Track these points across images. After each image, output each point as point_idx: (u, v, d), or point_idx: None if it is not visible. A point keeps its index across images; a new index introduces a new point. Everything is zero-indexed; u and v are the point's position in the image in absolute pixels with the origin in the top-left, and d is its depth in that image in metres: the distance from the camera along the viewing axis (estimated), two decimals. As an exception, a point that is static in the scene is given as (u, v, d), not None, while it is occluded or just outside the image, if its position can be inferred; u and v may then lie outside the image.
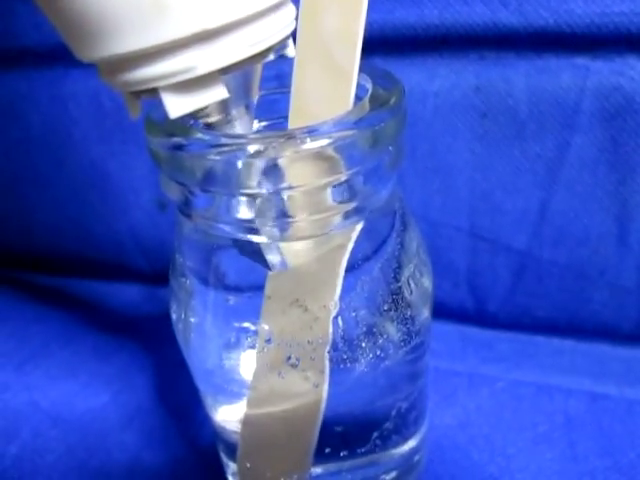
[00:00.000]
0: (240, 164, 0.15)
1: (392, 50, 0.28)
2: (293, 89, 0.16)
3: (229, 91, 0.14)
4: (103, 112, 0.35)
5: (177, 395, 0.32)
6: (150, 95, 0.14)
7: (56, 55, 0.33)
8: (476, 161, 0.30)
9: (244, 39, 0.13)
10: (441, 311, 0.35)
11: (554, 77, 0.27)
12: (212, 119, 0.16)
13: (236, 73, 0.15)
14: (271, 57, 0.15)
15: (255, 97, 0.17)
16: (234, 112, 0.16)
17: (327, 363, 0.18)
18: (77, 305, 0.40)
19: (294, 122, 0.17)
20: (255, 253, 0.17)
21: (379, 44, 0.28)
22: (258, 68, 0.16)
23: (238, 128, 0.16)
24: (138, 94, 0.14)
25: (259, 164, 0.15)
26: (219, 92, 0.14)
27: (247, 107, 0.16)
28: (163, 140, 0.15)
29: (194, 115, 0.15)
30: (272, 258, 0.17)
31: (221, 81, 0.14)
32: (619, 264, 0.30)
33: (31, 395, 0.33)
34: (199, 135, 0.15)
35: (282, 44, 0.15)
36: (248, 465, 0.22)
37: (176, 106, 0.14)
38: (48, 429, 0.31)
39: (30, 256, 0.43)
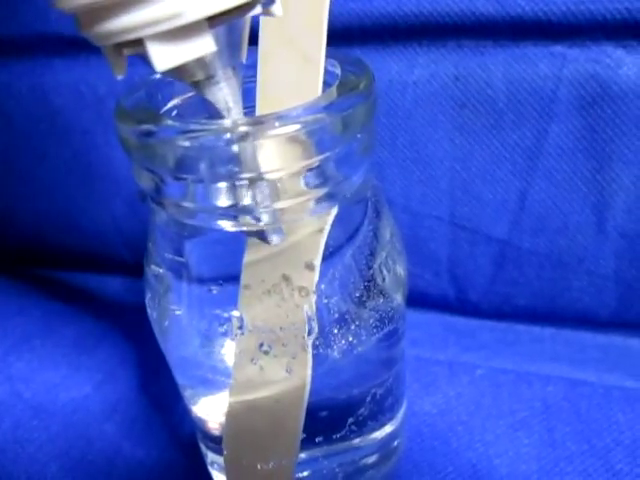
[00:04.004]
0: (210, 150, 0.15)
1: (371, 40, 0.28)
2: (259, 78, 0.16)
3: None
4: (84, 103, 0.35)
5: (159, 386, 0.32)
6: (134, 48, 0.13)
7: (37, 45, 0.33)
8: (456, 151, 0.30)
9: None
10: (422, 300, 0.35)
11: (532, 66, 0.27)
12: (198, 78, 0.15)
13: (223, 30, 0.14)
14: (258, 11, 0.14)
15: (243, 58, 0.16)
16: (221, 72, 0.15)
17: (309, 350, 0.18)
18: (59, 296, 0.39)
19: (262, 111, 0.17)
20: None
21: (358, 34, 0.28)
22: (245, 27, 0.16)
23: (225, 90, 0.15)
24: (121, 49, 0.13)
25: (229, 150, 0.15)
26: (207, 44, 0.13)
27: (234, 69, 0.15)
28: (133, 127, 0.15)
29: (180, 74, 0.14)
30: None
31: (209, 33, 0.13)
32: (597, 252, 0.31)
33: (13, 386, 0.33)
34: (169, 122, 0.15)
35: None
36: (231, 454, 0.22)
37: (163, 58, 0.13)
38: (29, 419, 0.31)
39: (11, 248, 0.42)
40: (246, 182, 0.15)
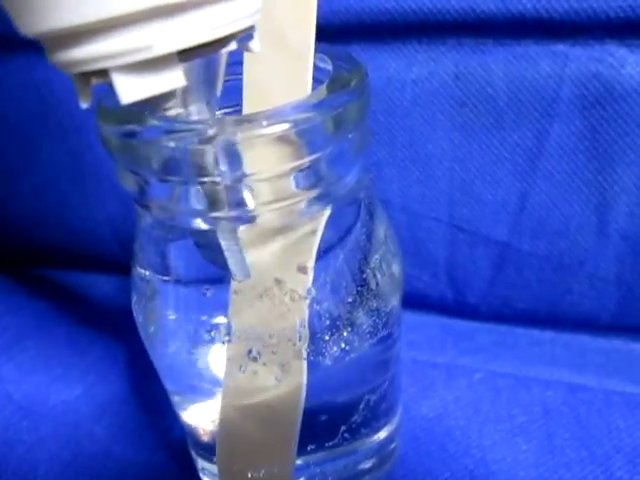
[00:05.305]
0: (196, 151, 0.14)
1: (370, 37, 0.28)
2: (246, 76, 0.16)
3: (188, 83, 0.13)
4: (77, 100, 0.34)
5: (150, 389, 0.31)
6: (101, 78, 0.13)
7: (29, 40, 0.32)
8: (455, 151, 0.29)
9: (206, 20, 0.12)
10: (421, 302, 0.35)
11: (533, 64, 0.26)
12: (169, 111, 0.14)
13: (196, 65, 0.14)
14: (233, 47, 0.14)
15: (217, 93, 0.16)
16: (193, 107, 0.15)
17: (304, 356, 0.17)
18: (52, 296, 0.39)
19: (249, 110, 0.16)
20: (215, 251, 0.16)
21: (356, 31, 0.28)
22: (221, 62, 0.15)
23: None
24: (88, 77, 0.13)
25: (216, 150, 0.14)
26: (176, 78, 0.13)
27: (208, 104, 0.15)
28: (116, 127, 0.15)
29: (149, 106, 0.14)
30: (233, 263, 0.16)
31: (179, 67, 0.13)
32: (598, 255, 0.30)
33: (3, 387, 0.32)
34: (154, 122, 0.15)
35: (246, 34, 0.14)
36: (224, 460, 0.21)
37: (129, 91, 0.12)
38: (19, 420, 0.30)
39: (4, 247, 0.42)
40: (235, 184, 0.15)
